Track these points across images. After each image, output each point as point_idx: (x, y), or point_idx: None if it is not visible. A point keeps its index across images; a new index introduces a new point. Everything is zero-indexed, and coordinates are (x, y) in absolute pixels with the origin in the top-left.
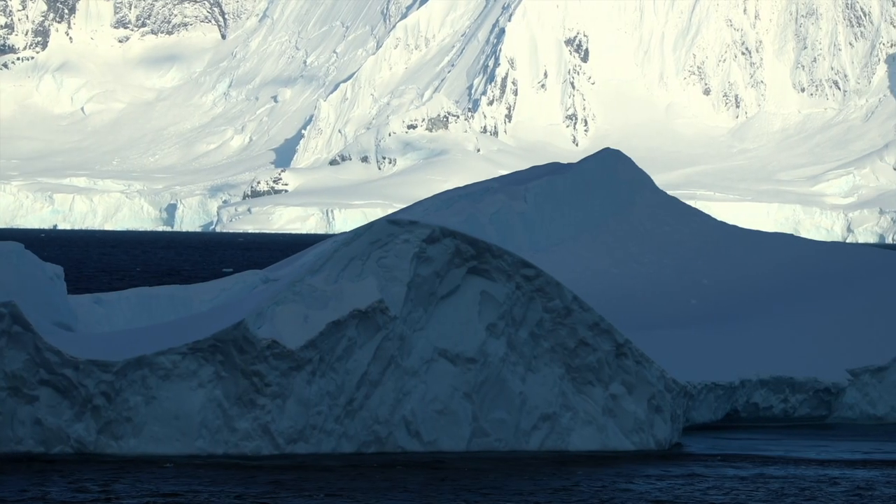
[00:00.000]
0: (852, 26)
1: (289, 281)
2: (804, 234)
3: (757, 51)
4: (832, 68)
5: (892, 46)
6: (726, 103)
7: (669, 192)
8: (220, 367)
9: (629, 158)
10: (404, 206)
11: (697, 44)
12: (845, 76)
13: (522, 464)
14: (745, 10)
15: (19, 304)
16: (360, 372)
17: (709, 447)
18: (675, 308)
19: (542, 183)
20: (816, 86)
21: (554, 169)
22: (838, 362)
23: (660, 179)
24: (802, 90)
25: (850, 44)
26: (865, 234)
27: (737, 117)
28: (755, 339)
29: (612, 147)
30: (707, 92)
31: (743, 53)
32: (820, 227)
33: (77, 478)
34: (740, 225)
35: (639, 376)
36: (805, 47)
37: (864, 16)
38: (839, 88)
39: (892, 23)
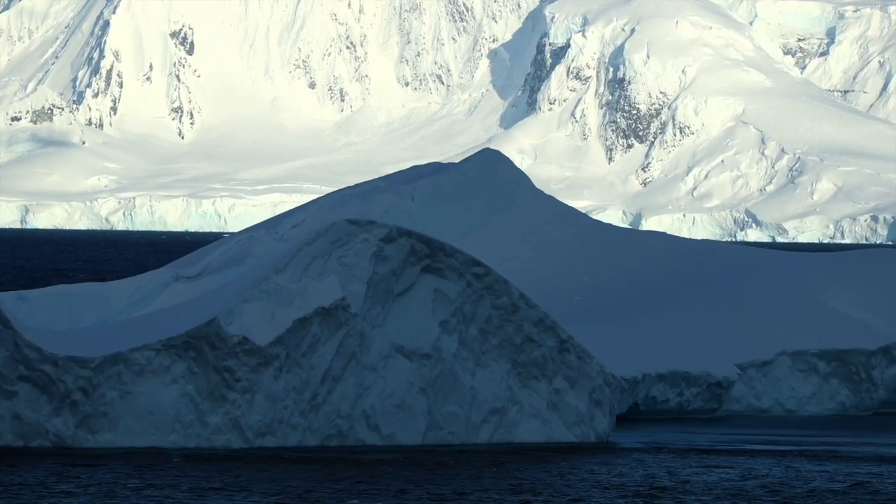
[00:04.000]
0: (455, 21)
1: (255, 279)
2: None
3: (361, 45)
4: (435, 63)
5: (494, 42)
6: (331, 97)
7: (275, 186)
8: (193, 363)
9: (508, 159)
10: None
11: (302, 37)
12: (448, 71)
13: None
14: (349, 5)
15: None
16: (323, 367)
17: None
18: (561, 305)
19: (428, 182)
20: (420, 80)
21: (436, 169)
22: (726, 357)
23: (266, 173)
24: (406, 84)
25: (454, 38)
26: None
27: (342, 111)
28: (645, 334)
29: (222, 139)
30: (312, 85)
31: (348, 47)
32: None
33: (55, 471)
34: None
35: (580, 371)
36: (409, 42)
37: (467, 11)
38: (443, 83)
39: (494, 18)
